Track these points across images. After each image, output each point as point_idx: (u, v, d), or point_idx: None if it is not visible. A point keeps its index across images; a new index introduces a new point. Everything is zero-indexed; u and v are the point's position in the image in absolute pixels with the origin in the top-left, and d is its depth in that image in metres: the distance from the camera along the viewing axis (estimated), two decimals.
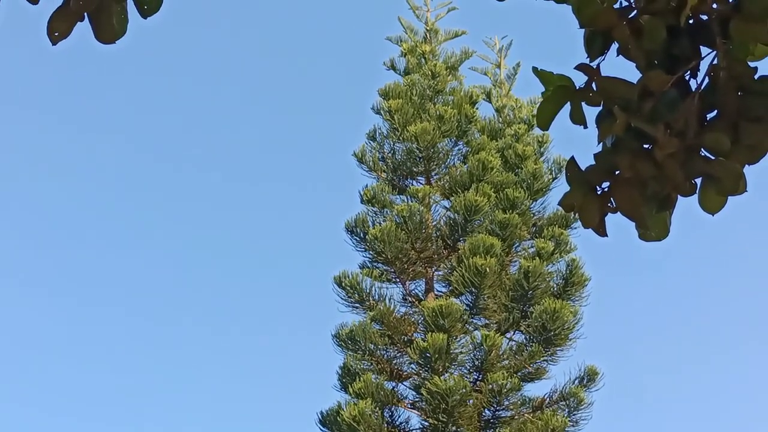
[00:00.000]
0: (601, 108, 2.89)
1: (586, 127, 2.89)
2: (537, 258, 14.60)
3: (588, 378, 14.50)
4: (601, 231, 2.92)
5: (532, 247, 15.17)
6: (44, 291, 35.71)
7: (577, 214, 2.94)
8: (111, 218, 35.96)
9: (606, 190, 2.86)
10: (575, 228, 15.62)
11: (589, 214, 2.87)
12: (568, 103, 2.91)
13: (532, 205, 15.71)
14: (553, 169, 16.15)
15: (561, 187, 15.34)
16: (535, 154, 16.18)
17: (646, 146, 2.81)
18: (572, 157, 2.92)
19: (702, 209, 2.88)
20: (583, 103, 2.90)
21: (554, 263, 14.99)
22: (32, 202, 35.88)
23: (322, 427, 14.09)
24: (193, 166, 37.80)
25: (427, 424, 13.80)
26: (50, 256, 35.68)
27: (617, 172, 2.84)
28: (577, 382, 14.49)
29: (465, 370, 14.20)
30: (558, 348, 14.46)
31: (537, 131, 16.59)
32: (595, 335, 15.45)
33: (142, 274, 35.77)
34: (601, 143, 2.87)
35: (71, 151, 36.56)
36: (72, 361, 34.25)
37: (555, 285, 14.84)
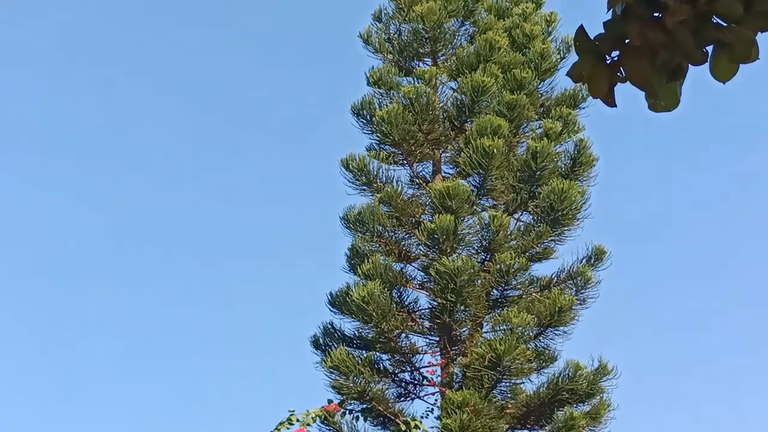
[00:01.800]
0: None
1: None
2: (545, 138, 14.54)
3: (595, 257, 14.56)
4: (610, 101, 2.88)
5: (539, 127, 15.10)
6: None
7: (585, 87, 2.90)
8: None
9: (615, 59, 2.82)
10: (583, 108, 15.53)
11: (598, 84, 2.84)
12: None
13: (540, 86, 15.57)
14: (561, 48, 15.97)
15: (569, 66, 15.18)
16: (543, 34, 15.97)
17: (656, 14, 2.76)
18: (581, 26, 2.87)
19: (713, 78, 2.84)
20: None
21: (562, 143, 14.93)
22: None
23: (331, 308, 14.23)
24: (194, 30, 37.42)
25: (435, 304, 13.92)
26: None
27: (627, 41, 2.79)
28: (584, 261, 14.56)
29: (473, 251, 14.27)
30: (565, 228, 14.49)
31: (545, 10, 16.38)
32: (602, 214, 15.47)
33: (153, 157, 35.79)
34: (611, 11, 2.82)
35: None
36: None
37: (563, 165, 14.80)
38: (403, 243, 14.59)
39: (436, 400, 14.04)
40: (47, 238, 33.79)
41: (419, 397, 14.27)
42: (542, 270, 14.74)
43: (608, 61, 2.83)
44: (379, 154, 14.91)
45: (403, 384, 14.29)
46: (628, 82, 2.84)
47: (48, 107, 35.05)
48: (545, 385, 13.77)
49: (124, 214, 34.54)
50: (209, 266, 33.86)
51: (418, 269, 14.58)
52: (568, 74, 2.90)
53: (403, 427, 13.47)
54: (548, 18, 16.19)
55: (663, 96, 2.89)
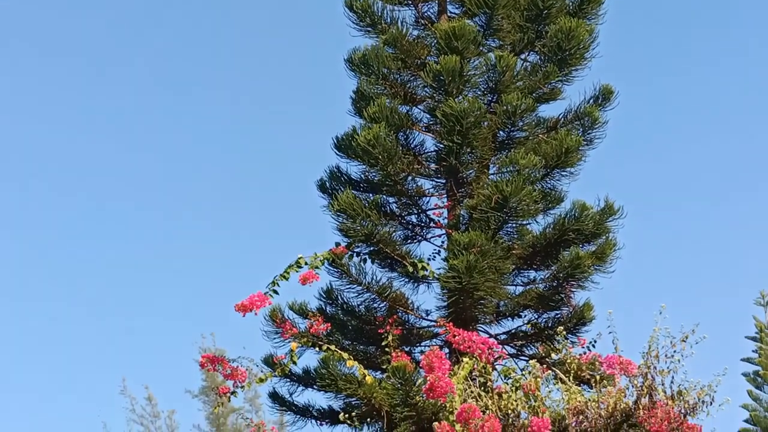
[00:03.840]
0: None
1: None
2: None
3: (603, 97, 14.41)
4: None
5: None
6: None
7: None
8: None
9: None
10: None
11: None
12: None
13: None
14: None
15: None
16: None
17: None
18: None
19: None
20: None
21: None
22: None
23: (337, 152, 14.17)
24: None
25: (441, 146, 13.85)
26: None
27: None
28: (591, 101, 14.42)
29: (479, 92, 14.11)
30: (573, 68, 14.29)
31: None
32: (611, 54, 15.25)
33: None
34: None
35: None
36: None
37: (570, 3, 14.51)
38: (408, 85, 14.44)
39: (442, 241, 14.13)
40: None
41: (426, 239, 14.36)
42: (549, 111, 14.64)
43: None
44: None
45: (409, 226, 14.36)
46: None
47: None
48: (551, 226, 13.82)
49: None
50: (212, 125, 33.71)
51: (424, 111, 14.47)
52: None
53: (411, 269, 13.59)
54: None
55: None
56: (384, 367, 12.59)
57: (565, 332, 12.45)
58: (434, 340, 13.84)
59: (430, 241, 14.32)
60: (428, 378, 10.86)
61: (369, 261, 13.81)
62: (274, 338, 13.53)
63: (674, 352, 11.31)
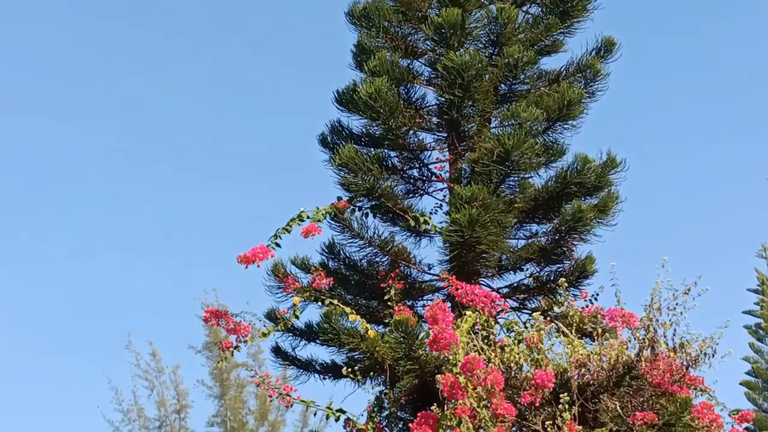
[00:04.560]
0: None
1: None
2: None
3: (605, 49, 14.31)
4: None
5: None
6: None
7: None
8: None
9: None
10: None
11: None
12: None
13: None
14: None
15: None
16: None
17: None
18: None
19: None
20: None
21: None
22: None
23: (338, 106, 14.10)
24: None
25: (443, 100, 13.78)
26: None
27: None
28: (594, 53, 14.33)
29: (480, 45, 14.02)
30: (575, 20, 14.19)
31: None
32: (613, 6, 15.13)
33: None
34: None
35: None
36: None
37: None
38: (409, 38, 14.35)
39: (444, 195, 14.11)
40: None
41: (428, 193, 14.34)
42: (551, 64, 14.55)
43: None
44: None
45: (411, 180, 14.32)
46: None
47: None
48: (553, 179, 13.77)
49: None
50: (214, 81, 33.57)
51: (425, 65, 14.38)
52: None
53: (413, 223, 13.57)
54: None
55: None
56: (386, 321, 12.60)
57: (567, 285, 12.46)
58: (436, 294, 13.85)
59: (432, 195, 14.30)
60: (432, 330, 10.88)
61: (371, 215, 13.78)
62: (277, 293, 13.54)
63: (676, 304, 11.34)
